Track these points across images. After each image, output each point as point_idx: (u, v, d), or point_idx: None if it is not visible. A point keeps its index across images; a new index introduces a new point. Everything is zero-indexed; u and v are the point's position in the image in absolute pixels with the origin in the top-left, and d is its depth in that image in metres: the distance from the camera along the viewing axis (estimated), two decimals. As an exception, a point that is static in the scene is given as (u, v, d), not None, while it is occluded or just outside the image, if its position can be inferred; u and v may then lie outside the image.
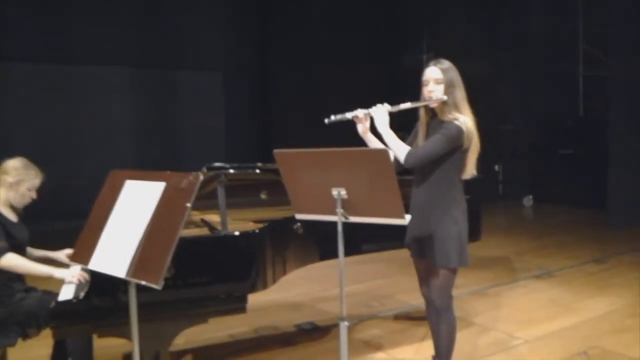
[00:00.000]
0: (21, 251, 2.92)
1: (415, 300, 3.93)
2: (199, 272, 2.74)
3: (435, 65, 2.81)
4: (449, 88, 2.77)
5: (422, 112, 2.90)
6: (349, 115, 2.76)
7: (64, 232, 3.28)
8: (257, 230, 2.92)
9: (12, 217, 2.96)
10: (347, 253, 2.54)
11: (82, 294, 2.57)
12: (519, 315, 4.37)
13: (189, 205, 1.99)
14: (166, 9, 9.57)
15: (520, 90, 10.09)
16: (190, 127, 9.87)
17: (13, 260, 2.79)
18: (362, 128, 2.83)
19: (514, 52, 10.05)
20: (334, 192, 2.39)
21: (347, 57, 10.07)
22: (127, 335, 2.31)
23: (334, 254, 2.55)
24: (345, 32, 10.09)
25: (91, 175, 4.91)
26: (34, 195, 2.98)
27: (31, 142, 8.12)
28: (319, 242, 3.31)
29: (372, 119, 2.79)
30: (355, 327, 4.12)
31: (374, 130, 2.82)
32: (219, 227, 2.99)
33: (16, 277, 2.91)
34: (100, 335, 2.73)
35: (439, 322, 2.95)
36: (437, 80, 2.78)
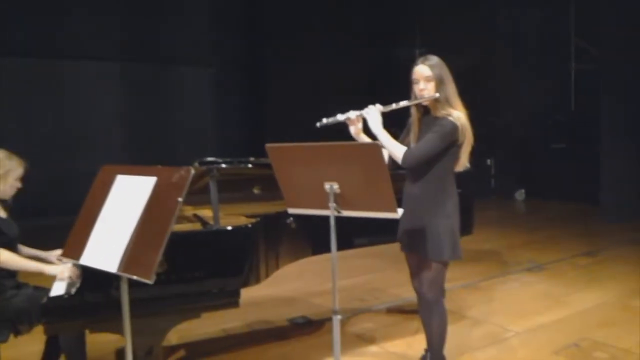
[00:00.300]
0: (11, 247, 2.90)
1: (407, 293, 3.95)
2: (192, 266, 2.74)
3: (423, 63, 2.81)
4: (439, 85, 2.78)
5: (413, 110, 2.91)
6: (340, 117, 2.76)
7: (55, 228, 3.26)
8: (249, 225, 2.92)
9: (1, 212, 2.94)
10: (340, 247, 2.55)
11: (74, 290, 2.56)
12: (510, 308, 4.39)
13: (180, 199, 1.98)
14: (156, 3, 9.50)
15: (512, 85, 10.11)
16: (182, 121, 9.82)
17: (2, 256, 2.77)
18: (355, 129, 2.83)
19: (506, 47, 10.06)
20: (327, 186, 2.40)
21: (339, 51, 10.04)
22: (119, 331, 2.30)
23: (326, 248, 2.55)
24: (338, 26, 10.07)
25: (82, 170, 4.88)
26: (19, 184, 2.97)
27: (20, 138, 8.05)
28: (312, 237, 3.31)
29: (365, 120, 2.80)
30: (348, 321, 4.14)
31: (366, 131, 2.83)
32: (212, 222, 2.99)
33: (7, 274, 2.89)
34: (93, 331, 2.71)
35: (430, 315, 2.97)
36: (427, 78, 2.78)
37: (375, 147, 2.31)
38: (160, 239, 1.93)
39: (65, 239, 2.30)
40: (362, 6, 10.59)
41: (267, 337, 3.91)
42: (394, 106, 2.80)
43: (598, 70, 8.20)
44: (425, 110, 2.89)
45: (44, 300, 2.57)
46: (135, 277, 1.96)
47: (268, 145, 2.48)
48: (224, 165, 3.02)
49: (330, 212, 2.43)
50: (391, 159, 2.81)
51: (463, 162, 2.86)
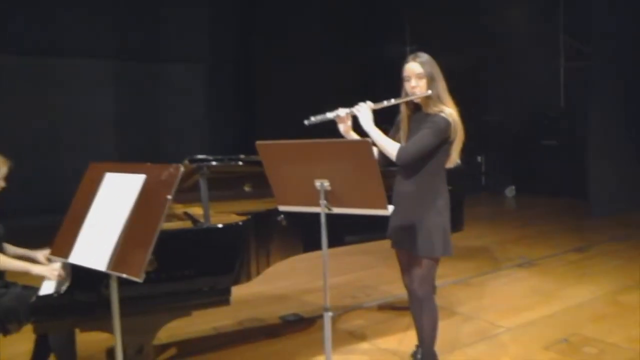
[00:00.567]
0: None
1: (398, 290, 3.95)
2: (182, 265, 2.73)
3: (414, 60, 2.81)
4: (431, 82, 2.78)
5: (403, 107, 2.91)
6: (330, 115, 2.75)
7: (47, 227, 3.23)
8: (240, 223, 2.91)
9: None
10: (331, 244, 2.55)
11: (63, 289, 2.54)
12: (501, 304, 4.42)
13: (169, 197, 1.97)
14: (148, 1, 9.44)
15: (502, 82, 10.15)
16: (173, 119, 9.79)
17: None
18: (344, 127, 2.83)
19: (495, 44, 10.09)
20: (317, 183, 2.39)
21: (330, 48, 10.04)
22: (109, 330, 2.29)
23: (317, 246, 2.55)
24: (329, 23, 10.06)
25: (73, 168, 4.83)
26: (3, 184, 2.95)
27: (12, 135, 7.98)
28: (303, 234, 3.30)
29: (354, 118, 2.79)
30: (339, 318, 4.14)
31: (356, 128, 2.82)
32: (202, 220, 2.98)
33: (-5, 273, 2.87)
34: (83, 330, 2.70)
35: (421, 312, 2.97)
36: (418, 75, 2.78)
37: (366, 144, 2.31)
38: (150, 237, 1.92)
39: (53, 238, 2.29)
40: (353, 5, 10.59)
41: (259, 335, 3.91)
42: (385, 103, 2.80)
43: (587, 67, 8.24)
44: (415, 108, 2.89)
45: (33, 299, 2.55)
46: (124, 276, 1.95)
47: (258, 142, 2.48)
48: (214, 163, 3.01)
49: (320, 210, 2.42)
50: (381, 156, 2.81)
51: (454, 159, 2.87)
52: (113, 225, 2.05)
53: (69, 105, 8.88)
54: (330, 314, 2.48)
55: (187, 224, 3.08)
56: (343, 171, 2.36)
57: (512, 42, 9.92)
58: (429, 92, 2.78)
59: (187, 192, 3.22)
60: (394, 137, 2.90)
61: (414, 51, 2.95)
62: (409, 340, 3.54)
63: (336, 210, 2.44)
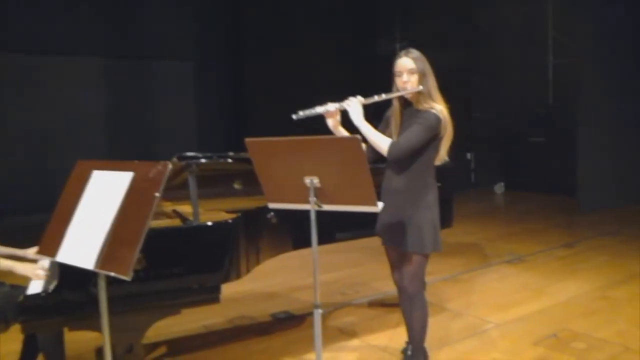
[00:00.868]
0: None
1: (388, 287, 3.96)
2: (171, 263, 2.71)
3: (406, 55, 2.81)
4: (422, 78, 2.79)
5: (395, 102, 2.91)
6: (319, 109, 2.73)
7: (37, 225, 3.21)
8: (229, 220, 2.90)
9: None
10: (321, 241, 2.55)
11: (51, 287, 2.52)
12: (490, 300, 4.44)
13: (157, 195, 1.96)
14: (135, -2, 9.39)
15: (491, 79, 10.19)
16: (162, 117, 9.72)
17: None
18: (333, 122, 2.83)
19: (484, 41, 10.13)
20: (307, 180, 2.39)
21: (320, 46, 10.02)
22: (98, 329, 2.26)
23: (307, 243, 2.54)
24: (319, 21, 10.04)
25: (62, 166, 4.79)
26: None
27: (0, 134, 7.92)
28: (293, 231, 3.30)
29: (344, 113, 2.79)
30: (330, 315, 4.14)
31: (345, 124, 2.82)
32: (191, 218, 2.96)
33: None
34: (72, 329, 2.68)
35: (411, 308, 2.98)
36: (410, 70, 2.78)
37: (355, 141, 2.31)
38: (138, 235, 1.90)
39: (41, 236, 2.27)
40: (344, 2, 10.57)
41: (249, 333, 3.90)
42: (375, 98, 2.79)
43: (575, 64, 8.29)
44: (405, 103, 2.90)
45: (21, 298, 2.52)
46: (112, 274, 1.93)
47: (247, 139, 2.46)
48: (203, 161, 3.00)
49: (310, 207, 2.42)
50: (370, 152, 2.81)
51: (442, 156, 2.88)
52: (101, 223, 2.03)
53: (58, 103, 8.79)
54: (320, 311, 2.48)
55: (176, 222, 3.06)
56: (333, 168, 2.35)
57: (501, 39, 9.97)
58: (421, 87, 2.78)
59: (176, 190, 3.21)
60: (383, 133, 2.90)
61: (404, 47, 2.95)
62: (399, 336, 3.55)
63: (326, 207, 2.44)
